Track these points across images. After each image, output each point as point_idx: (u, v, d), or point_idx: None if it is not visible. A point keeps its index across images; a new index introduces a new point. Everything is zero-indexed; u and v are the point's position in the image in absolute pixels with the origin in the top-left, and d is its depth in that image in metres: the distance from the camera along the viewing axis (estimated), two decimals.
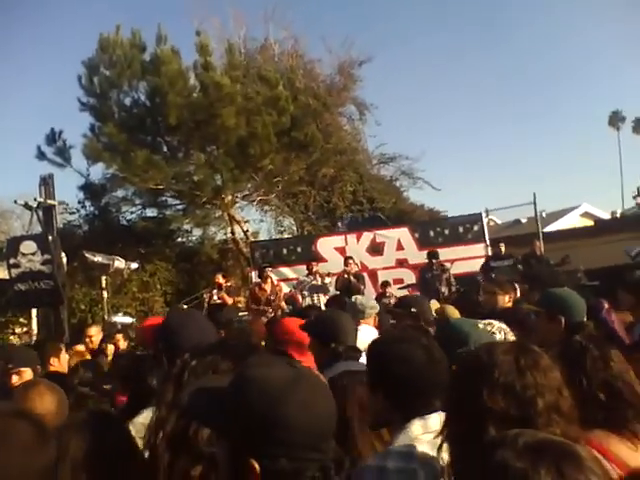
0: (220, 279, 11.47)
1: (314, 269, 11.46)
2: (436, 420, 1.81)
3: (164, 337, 2.42)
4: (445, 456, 1.54)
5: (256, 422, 1.19)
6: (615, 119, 52.31)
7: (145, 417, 2.07)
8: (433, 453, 1.67)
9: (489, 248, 13.54)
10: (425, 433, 1.78)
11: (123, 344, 6.24)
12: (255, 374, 1.25)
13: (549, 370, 1.49)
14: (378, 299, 11.09)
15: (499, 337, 3.12)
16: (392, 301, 9.01)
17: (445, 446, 1.53)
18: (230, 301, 11.22)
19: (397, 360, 1.91)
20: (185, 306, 11.87)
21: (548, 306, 3.31)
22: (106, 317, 11.49)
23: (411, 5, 54.07)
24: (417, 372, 1.88)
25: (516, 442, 1.01)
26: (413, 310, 4.12)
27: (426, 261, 11.49)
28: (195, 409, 1.35)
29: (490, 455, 1.01)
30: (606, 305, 5.53)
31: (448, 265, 11.61)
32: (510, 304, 5.04)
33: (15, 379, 3.87)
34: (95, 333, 6.64)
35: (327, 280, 11.30)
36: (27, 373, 3.96)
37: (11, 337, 14.81)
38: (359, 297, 5.05)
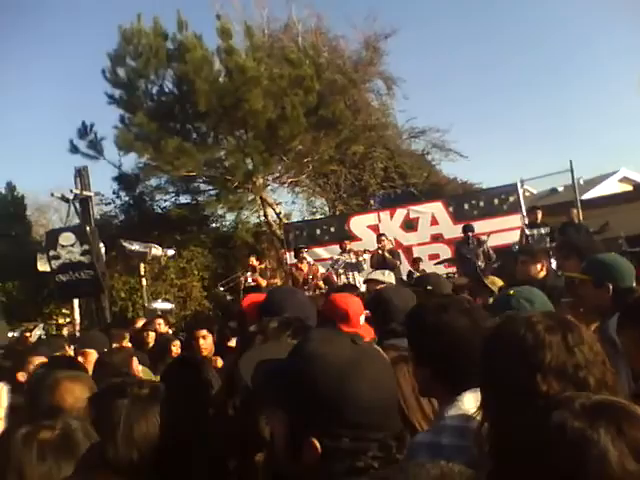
0: (254, 261, 11.56)
1: (347, 247, 11.44)
2: None
3: (269, 313, 2.44)
4: None
5: (321, 400, 1.17)
6: None
7: None
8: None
9: (526, 219, 13.30)
10: (477, 407, 1.72)
11: (164, 329, 6.33)
12: (320, 350, 1.22)
13: (594, 344, 1.43)
14: (410, 275, 11.09)
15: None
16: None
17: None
18: (264, 283, 11.32)
19: (441, 329, 1.83)
20: (222, 289, 11.98)
21: (595, 272, 3.20)
22: (146, 304, 11.68)
23: None
24: (463, 340, 1.78)
25: (573, 403, 0.99)
26: (429, 288, 4.02)
27: (461, 235, 11.36)
28: (254, 381, 1.34)
29: (546, 417, 0.98)
30: None
31: (484, 238, 11.46)
32: (543, 273, 4.91)
33: (81, 359, 4.06)
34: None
35: (361, 257, 11.27)
36: (92, 355, 4.15)
37: (55, 328, 15.23)
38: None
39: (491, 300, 4.16)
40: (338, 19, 48.67)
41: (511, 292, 2.49)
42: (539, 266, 4.85)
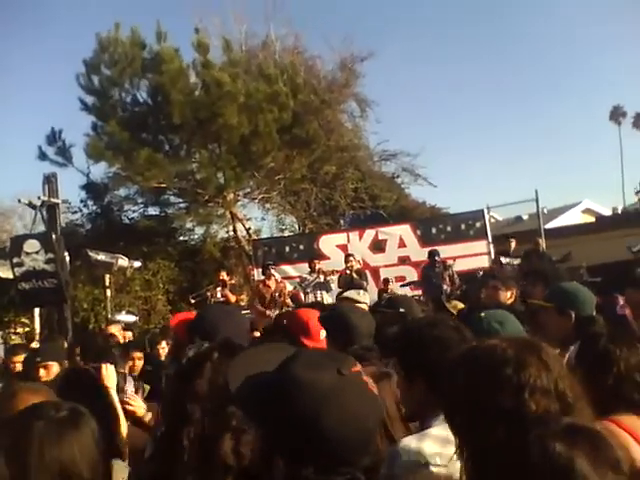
0: (224, 276, 11.49)
1: (317, 267, 11.48)
2: None
3: (201, 331, 2.42)
4: None
5: (293, 424, 1.18)
6: (616, 114, 52.19)
7: None
8: None
9: (491, 245, 13.56)
10: None
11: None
12: (305, 374, 1.22)
13: (560, 360, 1.50)
14: (379, 296, 11.18)
15: None
16: None
17: None
18: (233, 299, 11.25)
19: (435, 344, 1.89)
20: (192, 300, 11.88)
21: (558, 300, 3.30)
22: (109, 316, 11.50)
23: (413, 2, 53.99)
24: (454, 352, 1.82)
25: (549, 426, 1.07)
26: (401, 310, 4.06)
27: (428, 259, 11.54)
28: (238, 396, 1.33)
29: (526, 440, 1.05)
30: (621, 301, 5.55)
31: (450, 262, 11.64)
32: (512, 300, 5.03)
33: (42, 373, 3.97)
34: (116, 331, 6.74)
35: (329, 277, 11.33)
36: (54, 367, 4.06)
37: (13, 336, 14.83)
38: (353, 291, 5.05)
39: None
40: (316, 39, 49.25)
41: (482, 314, 2.52)
42: (509, 293, 4.97)
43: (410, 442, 1.72)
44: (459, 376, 1.47)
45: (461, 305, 5.49)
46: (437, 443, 1.68)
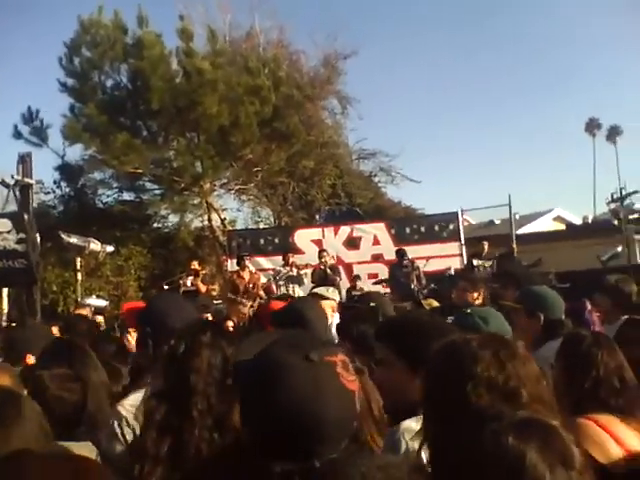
0: (196, 265, 11.46)
1: (290, 260, 11.53)
2: None
3: (149, 320, 2.43)
4: None
5: (248, 403, 1.26)
6: (591, 126, 53.16)
7: (134, 399, 2.06)
8: None
9: (464, 247, 13.76)
10: None
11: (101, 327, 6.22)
12: (270, 356, 1.26)
13: (527, 361, 1.50)
14: (348, 292, 11.30)
15: None
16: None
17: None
18: (204, 289, 11.23)
19: (436, 331, 1.94)
20: (166, 287, 11.81)
21: (528, 302, 3.40)
22: (79, 299, 11.37)
23: (397, 2, 54.22)
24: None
25: (502, 419, 1.10)
26: (372, 305, 4.13)
27: (396, 258, 11.70)
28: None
29: (479, 433, 1.08)
30: (589, 306, 5.70)
31: (418, 262, 11.79)
32: (479, 301, 5.13)
33: None
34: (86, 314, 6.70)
35: (303, 272, 11.38)
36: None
37: None
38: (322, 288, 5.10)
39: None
40: (300, 34, 49.09)
41: (468, 311, 2.61)
42: (475, 294, 5.06)
43: (411, 424, 1.74)
44: (428, 366, 1.55)
45: (436, 303, 5.61)
46: None
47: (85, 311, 7.09)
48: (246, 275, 10.75)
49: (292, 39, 23.64)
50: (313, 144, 19.93)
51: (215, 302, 11.14)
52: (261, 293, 10.59)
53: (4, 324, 10.03)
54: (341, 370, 1.24)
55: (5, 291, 11.25)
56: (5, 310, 11.15)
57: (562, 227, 24.16)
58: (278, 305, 3.35)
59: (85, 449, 2.03)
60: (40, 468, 1.05)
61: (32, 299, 10.24)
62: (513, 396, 1.40)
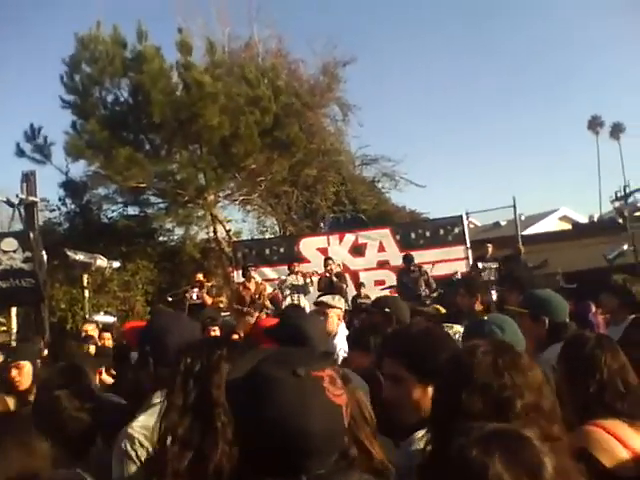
0: (200, 278, 11.47)
1: (296, 269, 11.53)
2: None
3: (150, 339, 2.42)
4: None
5: (239, 417, 1.28)
6: (594, 124, 52.97)
7: (143, 420, 2.07)
8: None
9: (470, 250, 13.73)
10: None
11: (110, 344, 6.20)
12: (259, 371, 1.27)
13: (529, 369, 1.50)
14: (354, 300, 11.28)
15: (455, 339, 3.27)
16: (367, 302, 9.06)
17: None
18: (210, 301, 11.24)
19: (448, 345, 1.98)
20: (170, 299, 11.81)
21: (532, 306, 3.38)
22: (87, 316, 11.40)
23: (395, 7, 54.39)
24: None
25: (471, 432, 1.09)
26: (387, 310, 4.12)
27: (403, 264, 11.67)
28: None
29: (448, 446, 1.09)
30: (593, 308, 5.68)
31: (426, 267, 11.77)
32: (479, 306, 5.13)
33: (14, 372, 3.95)
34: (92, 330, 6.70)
35: (308, 280, 11.37)
36: (27, 367, 4.04)
37: None
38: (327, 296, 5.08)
39: None
40: (298, 43, 49.32)
41: (484, 318, 2.64)
42: (474, 300, 5.05)
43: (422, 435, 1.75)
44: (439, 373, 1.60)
45: (442, 310, 5.59)
46: None
47: (92, 328, 7.09)
48: (252, 286, 10.76)
49: (291, 48, 23.77)
50: (315, 152, 19.96)
51: (223, 314, 11.14)
52: (267, 303, 10.59)
53: (13, 343, 10.08)
54: (328, 385, 1.26)
55: (14, 310, 11.31)
56: (14, 329, 11.19)
57: (568, 227, 24.07)
58: (270, 322, 3.33)
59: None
60: None
61: (40, 317, 10.27)
62: (507, 405, 1.42)
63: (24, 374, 4.08)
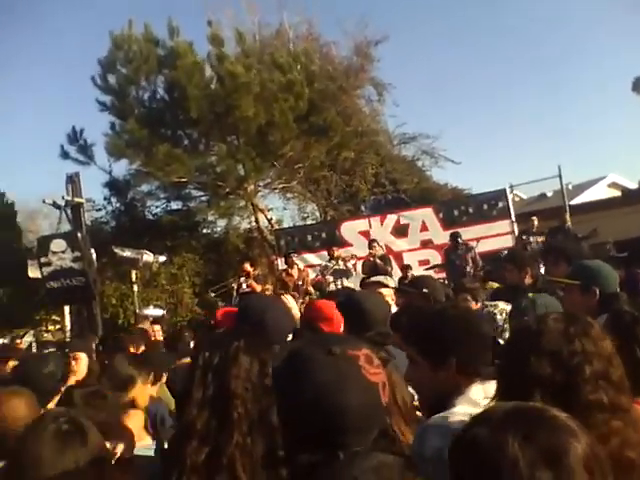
0: (248, 267, 11.58)
1: (335, 254, 11.52)
2: (494, 387, 1.82)
3: (248, 319, 2.51)
4: None
5: (278, 395, 1.39)
6: (638, 85, 51.01)
7: None
8: None
9: (515, 224, 13.43)
10: (485, 398, 1.78)
11: (160, 336, 6.32)
12: (294, 351, 1.37)
13: (599, 339, 1.50)
14: (400, 282, 11.19)
15: (500, 318, 3.20)
16: None
17: None
18: (259, 288, 11.33)
19: (464, 326, 1.95)
20: (213, 294, 12.00)
21: (582, 278, 3.28)
22: (137, 311, 11.68)
23: None
24: (480, 335, 1.95)
25: (491, 413, 1.04)
26: (425, 290, 4.10)
27: (450, 241, 11.50)
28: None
29: (465, 430, 1.05)
30: None
31: (473, 244, 11.59)
32: (529, 280, 5.02)
33: (73, 363, 4.15)
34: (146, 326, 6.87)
35: (350, 264, 11.35)
36: (83, 358, 4.22)
37: (45, 334, 15.14)
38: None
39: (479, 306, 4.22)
40: (329, 25, 48.86)
41: (530, 296, 2.64)
42: (523, 274, 4.94)
43: (437, 420, 1.74)
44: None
45: (496, 285, 5.49)
46: (462, 423, 1.69)
47: (146, 324, 7.24)
48: (295, 272, 10.81)
49: (322, 31, 23.62)
50: (352, 134, 19.76)
51: None
52: (310, 289, 10.62)
53: (68, 340, 10.42)
54: (364, 363, 1.31)
55: (67, 309, 11.67)
56: (68, 327, 11.56)
57: (618, 194, 23.26)
58: (324, 302, 3.34)
59: None
60: None
61: (92, 314, 10.58)
62: (575, 371, 1.42)
63: (80, 365, 4.27)
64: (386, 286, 4.67)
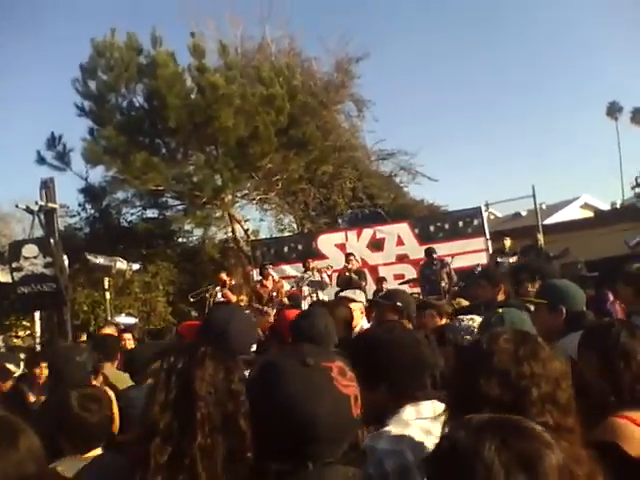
0: (224, 277, 11.53)
1: (310, 265, 11.55)
2: (429, 407, 1.89)
3: (212, 332, 2.49)
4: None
5: (250, 402, 1.40)
6: (613, 110, 52.10)
7: None
8: (423, 438, 1.75)
9: (489, 242, 13.60)
10: (417, 419, 1.84)
11: (130, 344, 6.25)
12: (267, 361, 1.40)
13: (549, 361, 1.51)
14: (374, 295, 11.25)
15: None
16: None
17: (437, 430, 1.58)
18: (234, 298, 11.29)
19: (392, 348, 1.99)
20: (192, 299, 11.94)
21: (550, 297, 3.34)
22: (109, 318, 11.53)
23: (406, 1, 54.03)
24: (415, 359, 1.99)
25: (469, 422, 1.07)
26: (399, 304, 4.15)
27: (425, 257, 11.60)
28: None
29: (445, 436, 1.09)
30: (611, 297, 5.57)
31: (448, 259, 11.69)
32: (502, 296, 5.09)
33: (37, 371, 4.16)
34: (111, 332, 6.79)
35: (325, 275, 11.39)
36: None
37: (15, 340, 14.84)
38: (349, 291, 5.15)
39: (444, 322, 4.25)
40: (311, 40, 49.29)
41: (499, 311, 2.68)
42: (496, 290, 5.02)
43: (369, 442, 1.80)
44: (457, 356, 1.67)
45: (465, 302, 5.55)
46: (390, 443, 1.78)
47: (111, 329, 7.17)
48: (269, 284, 10.81)
49: (303, 46, 23.73)
50: (331, 149, 19.89)
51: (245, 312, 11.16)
52: (284, 300, 10.61)
53: (37, 346, 10.25)
54: (337, 375, 1.32)
55: (37, 314, 11.48)
56: (38, 332, 11.37)
57: (590, 214, 23.71)
58: (292, 314, 3.37)
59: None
60: None
61: (63, 320, 10.39)
62: (523, 393, 1.43)
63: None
64: (353, 301, 4.71)
